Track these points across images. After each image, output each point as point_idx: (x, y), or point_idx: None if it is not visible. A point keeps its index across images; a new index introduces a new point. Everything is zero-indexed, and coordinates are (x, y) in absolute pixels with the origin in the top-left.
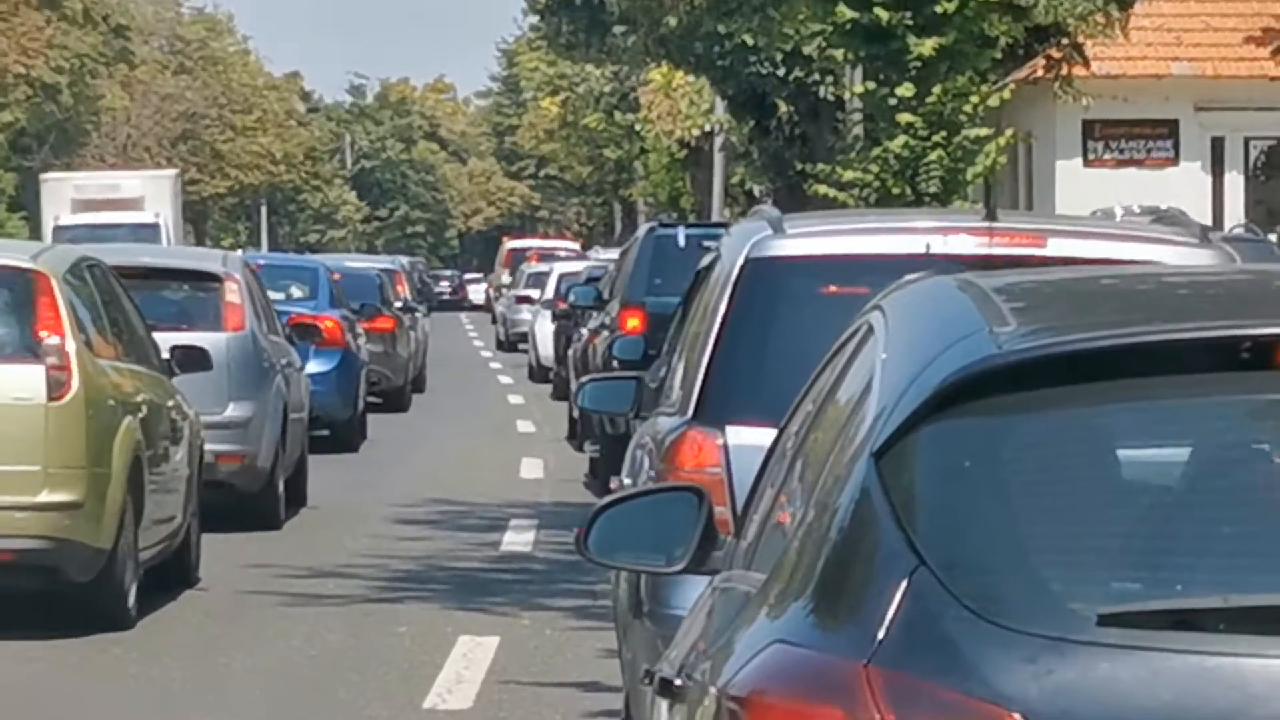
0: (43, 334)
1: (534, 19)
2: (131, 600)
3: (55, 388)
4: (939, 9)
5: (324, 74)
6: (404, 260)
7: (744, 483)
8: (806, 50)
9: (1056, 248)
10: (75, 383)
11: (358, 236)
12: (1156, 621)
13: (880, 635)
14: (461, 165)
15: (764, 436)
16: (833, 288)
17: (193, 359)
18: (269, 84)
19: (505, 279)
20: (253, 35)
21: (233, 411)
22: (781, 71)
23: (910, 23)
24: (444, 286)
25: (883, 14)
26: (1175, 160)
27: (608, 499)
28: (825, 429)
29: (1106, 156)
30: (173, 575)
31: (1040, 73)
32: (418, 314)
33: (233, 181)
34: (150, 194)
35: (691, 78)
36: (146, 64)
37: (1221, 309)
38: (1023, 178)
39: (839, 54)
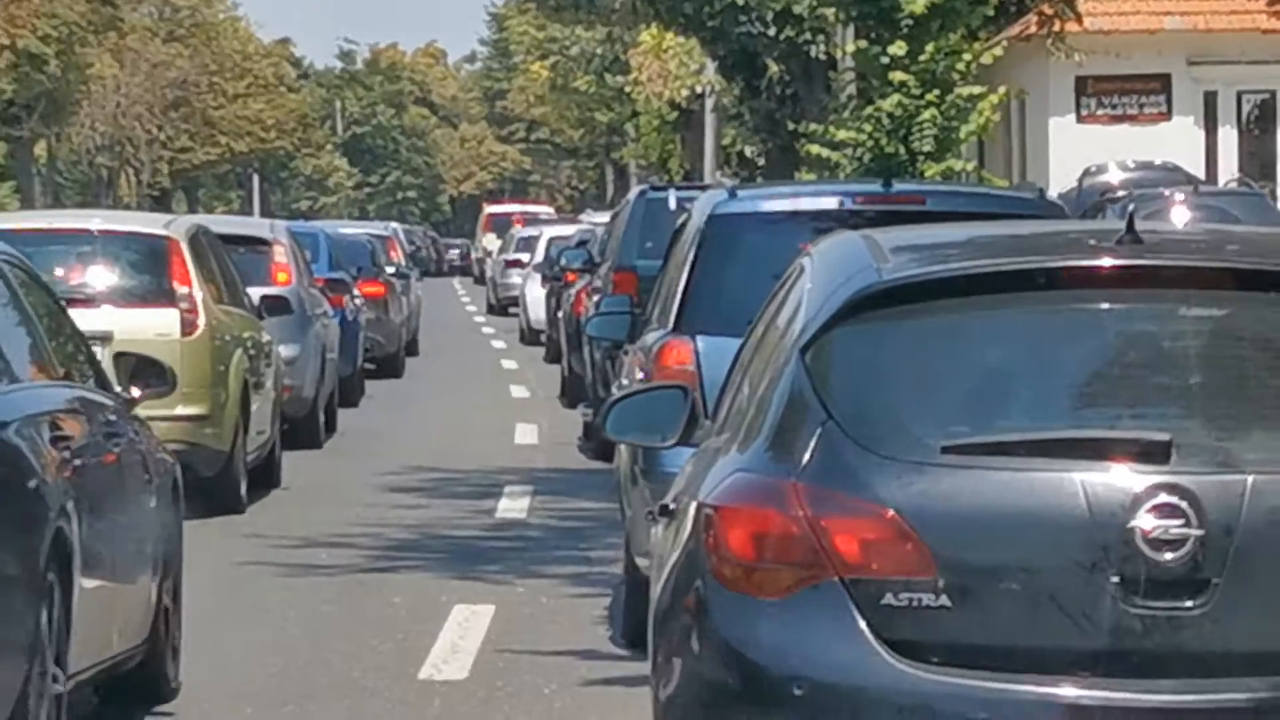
0: (176, 285)
1: None
2: (243, 491)
3: (187, 327)
4: None
5: (314, 40)
6: (397, 226)
7: (710, 376)
8: (797, 9)
9: (933, 203)
10: (201, 323)
11: (349, 203)
12: (980, 450)
13: (803, 462)
14: (452, 130)
15: (724, 344)
16: (772, 236)
17: (278, 305)
18: (259, 50)
19: (486, 243)
20: (242, 1)
21: (283, 351)
22: (772, 31)
23: None
24: (453, 254)
25: None
26: (1168, 115)
27: (617, 394)
28: (771, 335)
29: (1100, 112)
30: (262, 478)
31: (1033, 29)
32: (410, 279)
33: (224, 149)
34: None
35: (681, 39)
36: (136, 31)
37: (1028, 250)
38: (1016, 135)
39: (830, 13)
